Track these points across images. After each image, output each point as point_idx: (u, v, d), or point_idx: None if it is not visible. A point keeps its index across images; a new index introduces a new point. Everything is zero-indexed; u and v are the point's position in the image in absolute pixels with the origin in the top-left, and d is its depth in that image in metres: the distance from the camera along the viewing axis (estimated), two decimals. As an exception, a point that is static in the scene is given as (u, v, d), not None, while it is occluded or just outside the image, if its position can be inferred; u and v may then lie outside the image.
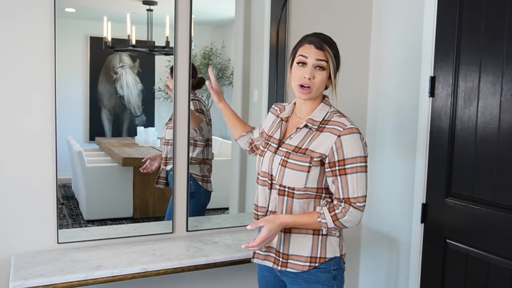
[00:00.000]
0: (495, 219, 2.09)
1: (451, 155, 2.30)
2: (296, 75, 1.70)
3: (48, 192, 2.16)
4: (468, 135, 2.21)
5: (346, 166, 1.66)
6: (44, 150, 2.14)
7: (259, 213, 1.81)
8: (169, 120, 2.42)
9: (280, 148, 1.75)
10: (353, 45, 2.81)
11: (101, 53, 2.34)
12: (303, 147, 1.70)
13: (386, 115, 2.75)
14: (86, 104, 2.38)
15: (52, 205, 2.17)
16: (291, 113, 1.83)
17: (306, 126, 1.72)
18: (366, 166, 1.69)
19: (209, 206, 2.64)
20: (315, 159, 1.67)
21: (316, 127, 1.71)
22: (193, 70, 2.40)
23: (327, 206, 1.70)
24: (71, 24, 2.25)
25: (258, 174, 1.82)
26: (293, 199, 1.71)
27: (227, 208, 2.72)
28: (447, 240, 2.34)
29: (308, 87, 1.67)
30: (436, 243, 2.39)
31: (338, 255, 1.77)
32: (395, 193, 2.67)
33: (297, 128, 1.74)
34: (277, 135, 1.80)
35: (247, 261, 2.24)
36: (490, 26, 2.11)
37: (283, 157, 1.71)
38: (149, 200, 2.50)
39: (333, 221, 1.67)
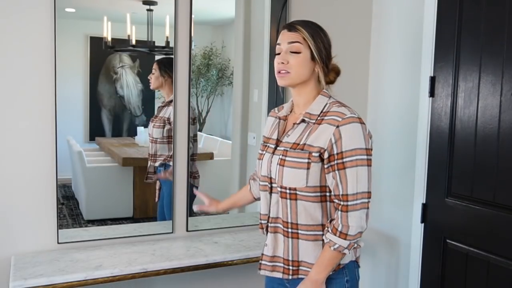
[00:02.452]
0: (495, 219, 2.09)
1: (451, 155, 2.30)
2: (275, 65, 1.62)
3: (48, 192, 2.16)
4: (468, 135, 2.21)
5: (344, 160, 1.52)
6: (44, 150, 2.14)
7: (262, 221, 1.71)
8: (154, 117, 2.44)
9: (278, 148, 1.65)
10: (353, 45, 2.81)
11: (101, 53, 2.34)
12: (300, 143, 1.58)
13: (386, 115, 2.74)
14: (86, 104, 2.38)
15: (52, 205, 2.17)
16: (290, 111, 1.73)
17: (303, 120, 1.61)
18: (369, 160, 1.54)
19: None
20: (313, 154, 1.54)
21: (314, 120, 1.59)
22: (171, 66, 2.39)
23: (329, 229, 1.57)
24: (71, 24, 2.25)
25: (259, 179, 1.73)
26: (297, 201, 1.59)
27: (227, 208, 2.71)
28: (447, 240, 2.34)
29: (286, 72, 1.58)
30: (436, 243, 2.39)
31: (353, 259, 1.65)
32: (395, 193, 2.67)
33: (294, 124, 1.64)
34: (274, 135, 1.70)
35: (247, 261, 2.24)
36: (490, 26, 2.11)
37: (280, 156, 1.60)
38: (149, 200, 2.50)
39: (345, 239, 1.53)
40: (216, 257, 2.19)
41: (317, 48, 1.59)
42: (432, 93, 2.39)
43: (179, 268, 2.13)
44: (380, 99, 2.80)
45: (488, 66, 2.11)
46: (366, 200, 1.56)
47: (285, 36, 1.60)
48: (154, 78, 2.43)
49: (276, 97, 2.59)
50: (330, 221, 1.60)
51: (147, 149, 2.49)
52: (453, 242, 2.31)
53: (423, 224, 2.46)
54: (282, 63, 1.58)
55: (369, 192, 1.56)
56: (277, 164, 1.60)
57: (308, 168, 1.55)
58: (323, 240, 1.60)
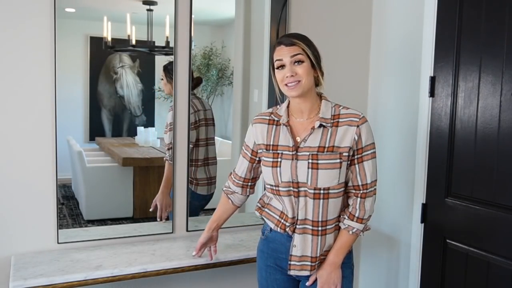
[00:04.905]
0: (495, 219, 2.09)
1: (451, 155, 2.30)
2: (279, 79, 1.73)
3: (48, 192, 2.16)
4: (468, 135, 2.21)
5: (363, 154, 1.74)
6: (44, 150, 2.14)
7: (286, 224, 1.79)
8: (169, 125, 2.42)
9: (299, 153, 1.73)
10: (353, 45, 2.81)
11: (101, 53, 2.34)
12: (327, 145, 1.71)
13: (386, 115, 2.74)
14: (86, 104, 2.38)
15: (52, 205, 2.17)
16: (288, 117, 1.81)
17: (321, 125, 1.73)
18: (376, 151, 1.78)
19: (209, 206, 2.64)
20: (344, 154, 1.71)
21: (330, 124, 1.73)
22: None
23: (346, 216, 1.77)
24: (71, 24, 2.25)
25: (277, 186, 1.77)
26: (328, 200, 1.74)
27: (227, 208, 2.71)
28: (447, 240, 2.34)
29: (296, 81, 1.69)
30: (436, 243, 2.39)
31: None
32: (395, 193, 2.67)
33: (312, 128, 1.73)
34: (286, 142, 1.76)
35: (247, 261, 2.24)
36: (490, 26, 2.11)
37: (310, 161, 1.70)
38: (149, 200, 2.50)
39: (361, 223, 1.76)
40: (216, 257, 2.19)
41: (314, 56, 1.72)
42: (432, 93, 2.39)
43: (179, 268, 2.13)
44: (380, 99, 2.80)
45: (488, 66, 2.11)
46: (376, 187, 1.80)
47: (285, 51, 1.70)
48: (163, 84, 2.43)
49: (276, 97, 2.58)
50: (344, 209, 1.80)
51: (147, 149, 2.49)
52: (453, 242, 2.31)
53: (423, 224, 2.46)
54: (292, 76, 1.68)
55: (376, 180, 1.80)
56: (309, 168, 1.71)
57: (340, 168, 1.72)
58: (340, 227, 1.79)
